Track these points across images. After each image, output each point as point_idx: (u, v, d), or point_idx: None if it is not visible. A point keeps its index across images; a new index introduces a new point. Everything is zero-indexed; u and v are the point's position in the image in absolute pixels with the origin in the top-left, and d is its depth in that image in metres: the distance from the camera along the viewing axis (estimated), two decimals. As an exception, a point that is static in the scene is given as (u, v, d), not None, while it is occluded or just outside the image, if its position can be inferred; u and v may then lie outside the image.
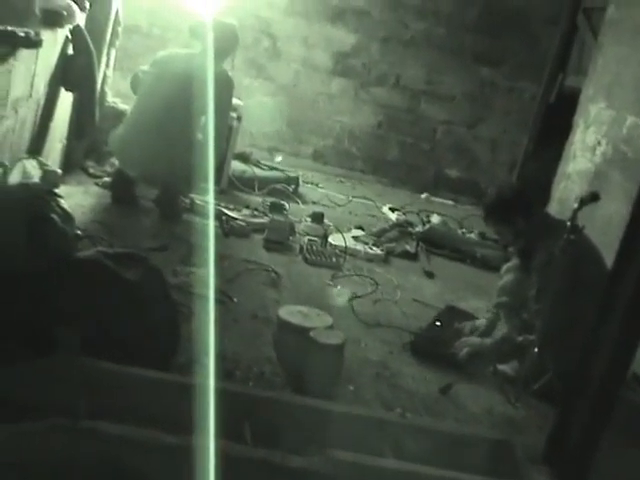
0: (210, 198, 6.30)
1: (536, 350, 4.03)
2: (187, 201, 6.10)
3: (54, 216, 3.35)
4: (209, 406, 2.82)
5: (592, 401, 3.04)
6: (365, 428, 3.22)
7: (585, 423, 3.06)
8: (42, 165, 3.63)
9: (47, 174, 3.58)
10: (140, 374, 3.15)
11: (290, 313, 3.92)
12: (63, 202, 3.51)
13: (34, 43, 3.92)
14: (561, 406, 3.27)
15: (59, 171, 3.74)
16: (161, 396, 3.04)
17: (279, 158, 8.63)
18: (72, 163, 6.40)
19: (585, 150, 6.80)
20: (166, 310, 3.63)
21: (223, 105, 5.75)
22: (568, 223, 3.84)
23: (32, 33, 3.93)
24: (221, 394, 3.15)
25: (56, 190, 3.54)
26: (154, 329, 3.46)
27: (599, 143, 6.54)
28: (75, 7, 5.11)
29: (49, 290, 3.21)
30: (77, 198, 5.83)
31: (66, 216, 3.47)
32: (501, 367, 4.40)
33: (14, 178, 3.51)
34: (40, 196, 3.41)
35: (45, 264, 3.23)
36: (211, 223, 5.79)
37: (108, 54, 6.74)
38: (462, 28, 9.26)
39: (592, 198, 3.84)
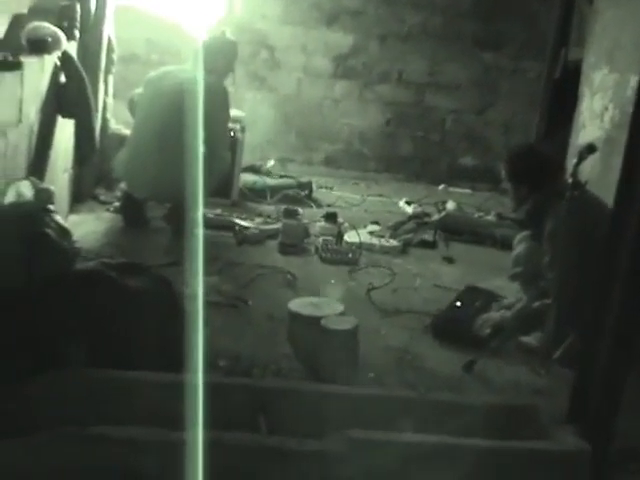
0: (220, 209, 6.35)
1: (554, 315, 3.98)
2: (198, 215, 6.07)
3: (49, 231, 3.34)
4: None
5: (608, 353, 2.98)
6: (383, 408, 3.17)
7: (603, 376, 3.00)
8: (35, 184, 3.63)
9: (40, 192, 3.58)
10: (148, 378, 3.12)
11: (301, 305, 3.91)
12: (58, 217, 3.50)
13: (12, 65, 3.93)
14: (579, 362, 3.21)
15: (52, 188, 3.74)
16: (170, 397, 3.00)
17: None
18: (82, 192, 6.43)
19: (593, 118, 6.73)
20: (174, 316, 3.58)
21: (218, 114, 5.74)
22: (570, 180, 3.79)
23: (9, 56, 3.95)
24: (234, 389, 3.14)
25: (50, 206, 3.53)
26: (163, 335, 3.43)
27: (606, 109, 6.47)
28: (61, 34, 5.12)
29: (50, 303, 3.19)
30: (90, 225, 5.86)
31: (62, 231, 3.45)
32: (524, 339, 4.33)
33: (8, 199, 3.51)
34: (34, 213, 3.40)
35: (44, 278, 3.22)
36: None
37: (106, 81, 6.77)
38: (459, 15, 9.24)
39: (589, 150, 3.79)
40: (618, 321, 2.90)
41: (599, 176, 5.56)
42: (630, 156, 2.87)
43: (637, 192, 2.81)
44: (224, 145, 6.04)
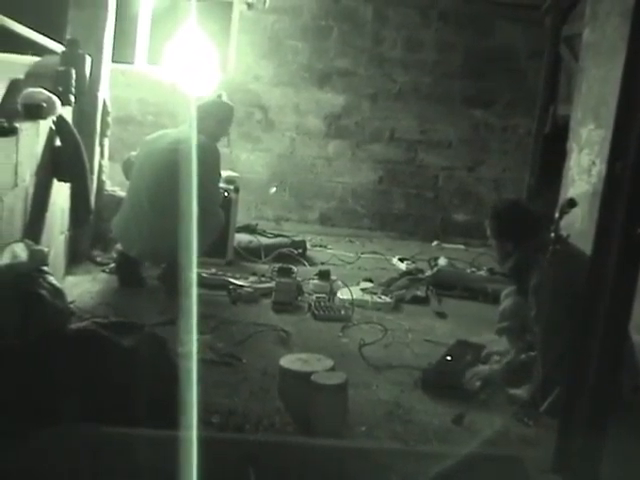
0: (215, 269, 6.41)
1: (540, 367, 4.03)
2: (192, 275, 6.13)
3: (43, 292, 3.41)
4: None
5: (589, 404, 3.04)
6: (373, 461, 3.21)
7: (586, 425, 3.05)
8: (29, 246, 3.71)
9: (34, 253, 3.64)
10: (142, 434, 3.17)
11: (291, 361, 3.96)
12: (52, 278, 3.58)
13: (7, 131, 4.02)
14: (563, 413, 3.26)
15: (46, 249, 3.81)
16: (164, 452, 3.05)
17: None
18: (79, 254, 6.52)
19: (582, 173, 6.83)
20: (167, 374, 3.63)
21: (209, 172, 5.83)
22: (552, 234, 3.86)
23: (4, 122, 4.05)
24: (226, 444, 3.18)
25: (44, 267, 3.60)
26: (156, 392, 3.47)
27: (593, 163, 6.57)
28: (56, 99, 5.23)
29: (45, 362, 3.24)
30: (85, 285, 5.93)
31: (56, 291, 3.52)
32: (513, 391, 4.37)
33: (3, 261, 3.58)
34: (27, 274, 3.47)
35: (38, 338, 3.27)
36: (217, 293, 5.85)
37: (101, 144, 6.88)
38: (448, 74, 9.44)
39: (570, 205, 3.87)
40: (597, 371, 2.96)
41: (587, 229, 5.65)
42: (606, 205, 2.95)
43: (613, 243, 2.89)
44: (216, 203, 6.13)
